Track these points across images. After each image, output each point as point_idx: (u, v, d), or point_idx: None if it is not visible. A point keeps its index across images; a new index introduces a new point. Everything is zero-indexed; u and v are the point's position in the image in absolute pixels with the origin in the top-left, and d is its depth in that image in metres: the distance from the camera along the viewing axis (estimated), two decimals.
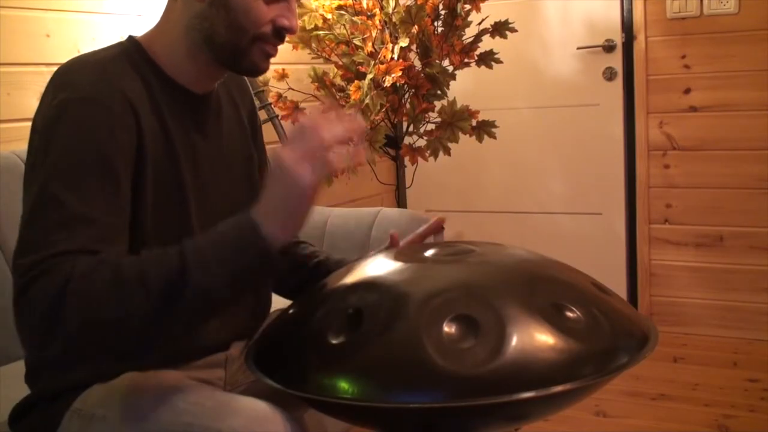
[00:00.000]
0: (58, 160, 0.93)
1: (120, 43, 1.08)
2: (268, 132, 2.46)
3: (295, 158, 0.85)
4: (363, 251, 1.82)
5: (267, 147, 2.64)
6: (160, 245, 0.94)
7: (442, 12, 2.47)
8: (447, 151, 2.52)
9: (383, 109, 2.38)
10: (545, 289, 0.91)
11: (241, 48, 1.05)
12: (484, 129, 2.53)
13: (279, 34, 1.07)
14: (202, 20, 1.04)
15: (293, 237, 0.90)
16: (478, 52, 2.53)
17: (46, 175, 0.92)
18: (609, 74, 3.06)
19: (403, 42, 2.29)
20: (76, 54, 1.08)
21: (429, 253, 1.02)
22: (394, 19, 2.35)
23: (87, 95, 0.96)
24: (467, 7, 2.45)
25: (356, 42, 2.40)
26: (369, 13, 2.40)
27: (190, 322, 0.88)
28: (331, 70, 2.50)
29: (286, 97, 2.51)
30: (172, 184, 1.04)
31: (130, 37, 1.09)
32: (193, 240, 0.88)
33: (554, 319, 0.86)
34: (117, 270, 0.84)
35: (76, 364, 1.02)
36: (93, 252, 0.87)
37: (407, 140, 2.65)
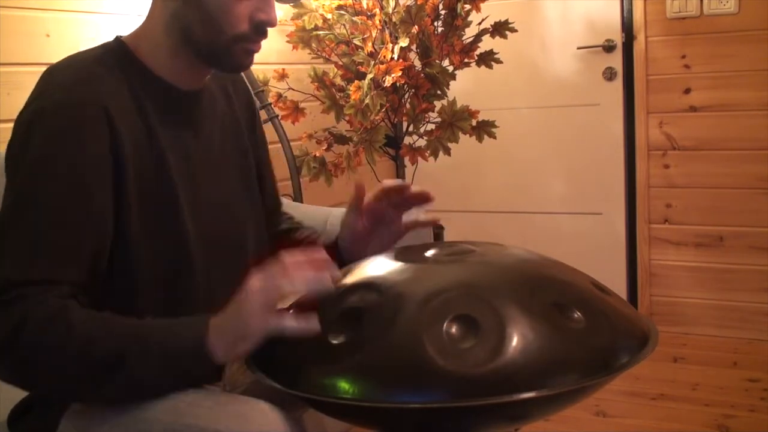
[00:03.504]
0: (29, 175, 0.94)
1: (106, 44, 1.08)
2: (268, 132, 2.46)
3: (260, 300, 0.89)
4: None
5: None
6: (149, 245, 0.99)
7: (442, 12, 2.47)
8: (447, 151, 2.52)
9: (383, 109, 2.38)
10: (545, 289, 0.91)
11: (220, 48, 1.04)
12: (484, 129, 2.53)
13: (259, 29, 1.04)
14: (178, 19, 1.03)
15: (232, 361, 0.96)
16: (478, 52, 2.53)
17: (16, 189, 0.94)
18: (609, 74, 3.06)
19: (403, 42, 2.29)
20: (78, 51, 1.08)
21: (429, 253, 1.02)
22: (394, 19, 2.35)
23: (61, 104, 0.96)
24: (467, 7, 2.45)
25: (356, 42, 2.40)
26: (369, 13, 2.40)
27: (116, 399, 0.94)
28: (331, 70, 2.50)
29: (286, 97, 2.50)
30: (160, 184, 1.03)
31: (117, 38, 1.09)
32: (142, 329, 0.92)
33: (554, 319, 0.86)
34: (67, 333, 0.88)
35: None
36: (56, 282, 0.90)
37: (407, 140, 2.65)
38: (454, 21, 2.44)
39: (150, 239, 1.01)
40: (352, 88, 2.34)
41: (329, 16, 2.41)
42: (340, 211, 2.05)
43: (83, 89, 0.98)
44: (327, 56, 2.52)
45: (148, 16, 1.08)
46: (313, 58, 2.54)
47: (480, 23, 2.53)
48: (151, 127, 1.03)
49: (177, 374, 0.92)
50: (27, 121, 0.96)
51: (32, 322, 0.87)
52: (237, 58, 1.06)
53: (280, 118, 2.47)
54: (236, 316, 0.90)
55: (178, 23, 1.04)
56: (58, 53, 1.89)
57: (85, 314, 0.90)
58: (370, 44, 2.37)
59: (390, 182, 1.18)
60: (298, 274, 0.90)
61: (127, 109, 1.01)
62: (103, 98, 0.98)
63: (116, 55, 1.05)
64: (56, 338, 0.87)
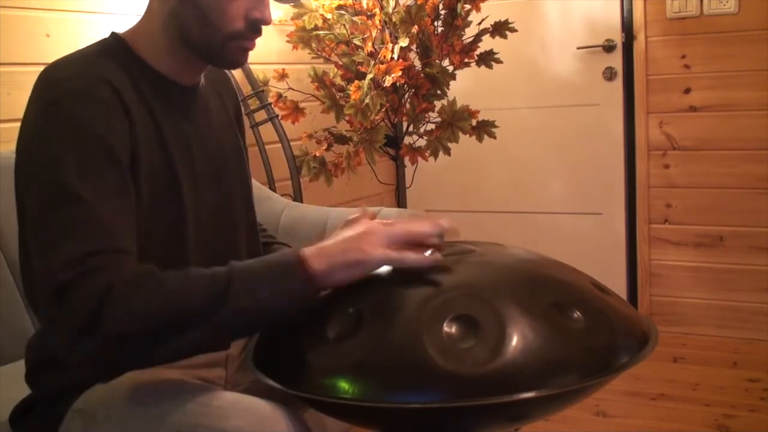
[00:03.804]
0: (63, 155, 0.92)
1: (103, 40, 1.08)
2: (268, 132, 2.47)
3: (383, 235, 0.92)
4: None
5: (267, 147, 2.64)
6: (152, 235, 0.99)
7: (442, 12, 2.47)
8: (447, 151, 2.52)
9: (383, 109, 2.38)
10: (545, 289, 0.91)
11: (215, 46, 1.05)
12: (484, 129, 2.53)
13: (254, 27, 1.05)
14: (175, 17, 1.04)
15: (333, 287, 0.94)
16: (478, 52, 2.53)
17: (53, 171, 0.91)
18: (609, 74, 3.06)
19: (403, 42, 2.29)
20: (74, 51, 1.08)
21: (429, 253, 1.02)
22: (394, 19, 2.35)
23: (77, 89, 0.96)
24: (467, 7, 2.45)
25: (356, 42, 2.40)
26: (369, 13, 2.40)
27: (222, 341, 0.94)
28: (331, 70, 2.50)
29: (286, 97, 2.50)
30: (165, 173, 1.04)
31: (113, 34, 1.09)
32: (239, 264, 0.91)
33: (554, 319, 0.86)
34: (161, 283, 0.87)
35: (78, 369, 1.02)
36: (124, 251, 0.89)
37: (407, 140, 2.65)
38: (454, 21, 2.44)
39: (153, 227, 1.01)
40: (352, 88, 2.34)
41: (329, 16, 2.41)
42: (339, 211, 2.06)
43: (94, 76, 0.98)
44: (327, 56, 2.53)
45: (146, 14, 1.09)
46: (313, 58, 2.54)
47: (480, 23, 2.53)
48: (156, 118, 1.04)
49: (281, 291, 0.90)
50: (44, 115, 0.95)
51: (119, 285, 0.85)
52: (232, 55, 1.07)
53: (280, 118, 2.47)
54: (349, 243, 0.92)
55: (176, 21, 1.04)
56: (58, 53, 1.88)
57: (172, 273, 0.89)
58: (370, 44, 2.37)
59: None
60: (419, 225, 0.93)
61: (133, 99, 1.01)
62: (114, 85, 0.99)
63: (115, 49, 1.06)
64: (150, 288, 0.86)
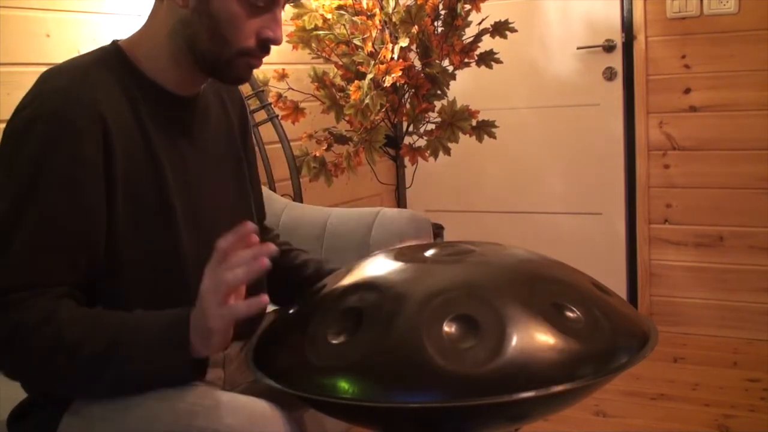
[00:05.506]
0: (20, 182, 0.95)
1: (101, 48, 1.08)
2: (268, 132, 2.47)
3: (209, 296, 0.91)
4: (363, 251, 1.82)
5: (267, 147, 2.64)
6: (144, 257, 1.01)
7: (442, 12, 2.47)
8: (447, 151, 2.52)
9: (383, 109, 2.38)
10: (545, 289, 0.91)
11: (223, 60, 1.04)
12: (484, 129, 2.53)
13: (264, 46, 1.05)
14: (185, 26, 1.03)
15: (212, 354, 0.97)
16: (478, 52, 2.53)
17: (9, 195, 0.95)
18: (609, 74, 3.06)
19: (403, 42, 2.29)
20: (76, 54, 1.08)
21: (429, 253, 1.02)
22: (394, 19, 2.35)
23: (54, 111, 0.96)
24: (467, 7, 2.45)
25: (356, 42, 2.40)
26: (369, 13, 2.40)
27: (109, 394, 0.97)
28: (331, 70, 2.50)
29: (286, 97, 2.50)
30: (154, 187, 1.04)
31: (113, 42, 1.09)
32: (128, 326, 0.95)
33: (554, 319, 0.86)
34: (58, 335, 0.92)
35: None
36: (44, 285, 0.94)
37: (407, 140, 2.65)
38: (454, 21, 2.44)
39: (142, 245, 1.02)
40: (352, 88, 2.34)
41: (329, 16, 2.41)
42: (339, 211, 2.06)
43: (78, 95, 0.98)
44: (327, 56, 2.52)
45: (150, 21, 1.08)
46: (313, 58, 2.54)
47: (480, 23, 2.53)
48: (147, 132, 1.04)
49: (161, 368, 0.94)
50: (20, 128, 0.97)
51: (23, 327, 0.92)
52: (238, 71, 1.06)
53: (280, 118, 2.47)
54: (199, 316, 0.93)
55: (185, 31, 1.04)
56: (58, 53, 1.89)
57: (75, 313, 0.95)
58: (370, 44, 2.37)
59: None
60: (235, 262, 0.91)
61: (122, 114, 1.01)
62: (98, 104, 0.98)
63: (111, 59, 1.05)
64: (47, 342, 0.92)
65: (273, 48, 1.07)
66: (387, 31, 2.40)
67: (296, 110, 2.49)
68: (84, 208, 0.97)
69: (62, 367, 0.93)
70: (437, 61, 2.44)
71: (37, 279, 0.94)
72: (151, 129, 1.04)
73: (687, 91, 2.90)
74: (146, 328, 0.95)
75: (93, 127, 0.97)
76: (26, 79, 1.87)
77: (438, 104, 2.51)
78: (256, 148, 2.44)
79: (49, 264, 0.95)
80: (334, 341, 0.88)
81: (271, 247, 0.92)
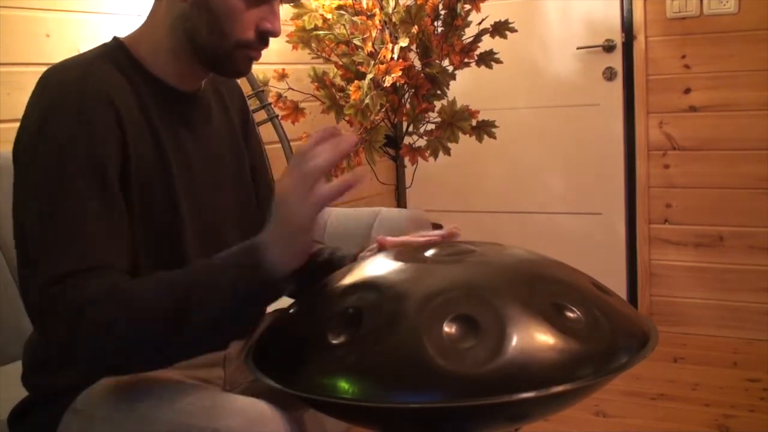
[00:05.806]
0: (49, 171, 0.94)
1: (104, 45, 1.08)
2: (268, 132, 2.47)
3: (294, 191, 0.87)
4: None
5: (267, 147, 2.64)
6: (149, 244, 1.00)
7: (442, 12, 2.47)
8: (447, 151, 2.52)
9: (383, 109, 2.39)
10: (545, 289, 0.91)
11: (223, 53, 1.05)
12: (484, 129, 2.53)
13: (263, 38, 1.06)
14: (184, 21, 1.04)
15: (296, 266, 0.91)
16: (478, 52, 2.53)
17: (40, 186, 0.94)
18: (609, 74, 3.06)
19: (403, 42, 2.29)
20: (75, 54, 1.08)
21: (429, 253, 1.02)
22: (394, 19, 2.36)
23: (67, 106, 0.96)
24: (467, 7, 2.45)
25: (356, 42, 2.40)
26: (369, 13, 2.40)
27: (201, 346, 0.94)
28: (331, 70, 2.50)
29: (286, 97, 2.51)
30: (162, 183, 1.04)
31: (115, 38, 1.09)
32: (197, 267, 0.92)
33: (554, 319, 0.86)
34: (128, 298, 0.88)
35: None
36: (101, 269, 0.90)
37: (407, 140, 2.65)
38: (454, 21, 2.44)
39: (150, 234, 1.01)
40: (352, 88, 2.34)
41: (329, 16, 2.41)
42: (340, 211, 2.06)
43: (90, 84, 0.98)
44: (327, 56, 2.53)
45: (150, 17, 1.09)
46: (313, 58, 2.54)
47: (480, 23, 2.53)
48: (153, 125, 1.04)
49: (245, 296, 0.89)
50: (38, 119, 0.96)
51: (90, 303, 0.87)
52: (238, 63, 1.07)
53: (280, 118, 2.47)
54: (280, 224, 0.89)
55: (185, 25, 1.04)
56: (58, 53, 1.89)
57: (135, 281, 0.92)
58: (370, 44, 2.37)
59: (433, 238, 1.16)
60: (317, 150, 0.89)
61: (130, 105, 1.01)
62: (110, 96, 0.99)
63: (115, 54, 1.06)
64: (120, 306, 0.87)
65: (273, 48, 1.08)
66: (387, 31, 2.40)
67: (296, 110, 2.49)
68: (110, 196, 0.96)
69: (144, 324, 0.87)
70: (437, 61, 2.44)
71: (88, 264, 0.90)
72: (157, 121, 1.04)
73: (687, 91, 2.90)
74: (216, 265, 0.91)
75: (107, 119, 0.97)
76: (26, 79, 1.88)
77: (438, 104, 2.52)
78: None
79: (96, 248, 0.92)
80: (334, 341, 0.88)
81: (354, 137, 0.89)
